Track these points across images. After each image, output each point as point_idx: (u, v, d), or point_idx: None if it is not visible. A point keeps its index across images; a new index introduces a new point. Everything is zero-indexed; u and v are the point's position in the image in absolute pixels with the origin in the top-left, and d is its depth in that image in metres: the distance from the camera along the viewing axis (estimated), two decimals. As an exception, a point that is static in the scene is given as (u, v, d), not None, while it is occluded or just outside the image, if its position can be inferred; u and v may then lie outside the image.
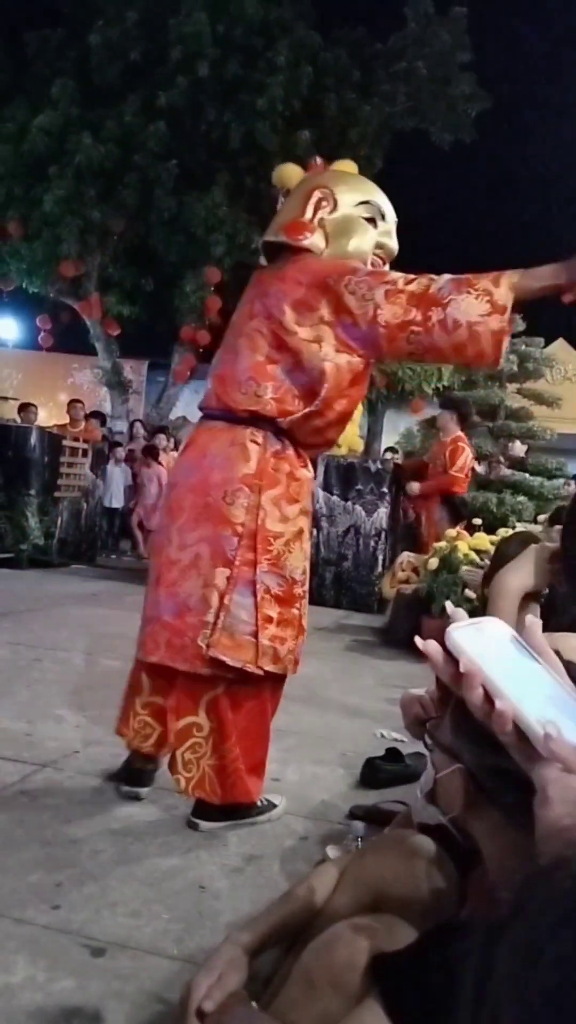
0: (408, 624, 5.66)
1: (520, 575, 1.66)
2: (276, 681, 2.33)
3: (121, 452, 10.87)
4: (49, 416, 15.86)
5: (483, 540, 5.67)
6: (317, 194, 2.33)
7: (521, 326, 9.42)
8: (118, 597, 6.59)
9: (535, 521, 7.36)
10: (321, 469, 7.20)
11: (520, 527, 6.58)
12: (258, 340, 2.24)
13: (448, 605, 0.79)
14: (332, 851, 2.15)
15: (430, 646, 0.72)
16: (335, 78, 13.86)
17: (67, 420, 10.54)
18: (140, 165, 13.00)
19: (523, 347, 9.18)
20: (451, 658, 0.72)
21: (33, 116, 13.04)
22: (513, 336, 9.34)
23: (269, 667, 2.21)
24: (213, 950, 1.15)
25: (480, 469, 8.05)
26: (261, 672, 2.20)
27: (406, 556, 6.33)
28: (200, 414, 2.42)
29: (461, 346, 2.08)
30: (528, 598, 1.74)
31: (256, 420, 2.24)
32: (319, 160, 7.74)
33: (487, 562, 5.35)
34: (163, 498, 2.49)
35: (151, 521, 10.41)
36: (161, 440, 11.24)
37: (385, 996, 0.89)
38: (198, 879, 2.00)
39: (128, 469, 10.66)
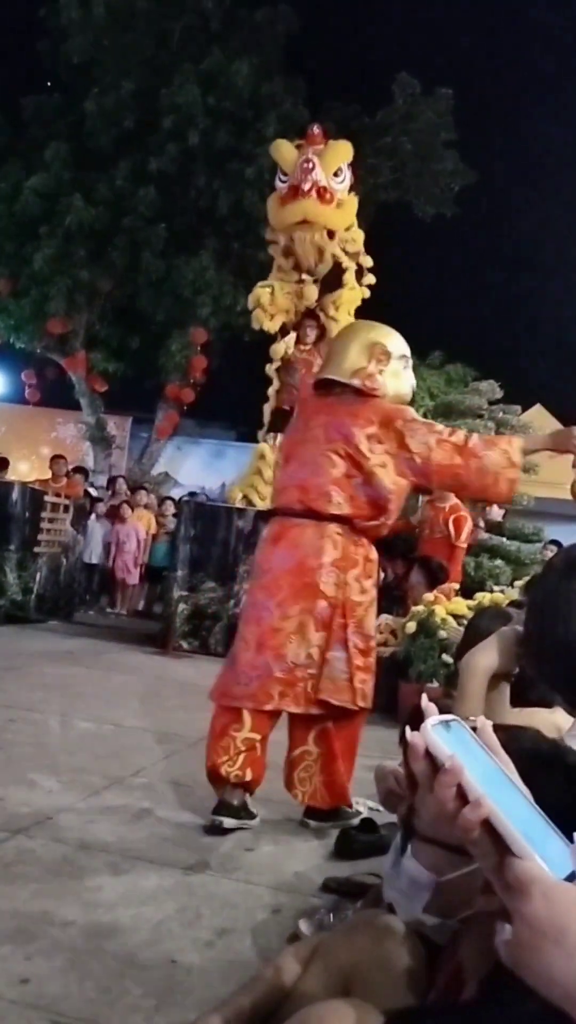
0: (385, 687, 5.65)
1: (488, 657, 1.71)
2: (363, 713, 3.02)
3: (102, 508, 10.89)
4: (31, 470, 15.87)
5: (460, 605, 5.71)
6: (378, 350, 3.03)
7: (499, 393, 9.63)
8: (95, 655, 6.56)
9: (512, 585, 7.43)
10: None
11: (497, 591, 6.64)
12: (336, 460, 2.91)
13: (423, 700, 0.82)
14: (304, 925, 2.13)
15: (417, 740, 0.75)
16: (322, 150, 14.31)
17: (49, 475, 10.56)
18: (130, 228, 13.31)
19: (500, 414, 9.37)
20: (427, 752, 0.75)
21: (27, 177, 13.37)
22: (490, 403, 9.56)
23: (362, 704, 2.93)
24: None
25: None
26: (357, 708, 2.92)
27: (384, 619, 6.35)
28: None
29: (486, 487, 2.96)
30: (498, 677, 1.79)
31: (337, 519, 2.93)
32: (316, 129, 8.01)
33: (463, 623, 5.40)
34: (255, 579, 3.13)
35: (131, 576, 10.40)
36: (141, 496, 11.28)
37: None
38: (169, 953, 1.98)
39: (109, 524, 10.67)
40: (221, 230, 14.00)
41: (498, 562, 7.96)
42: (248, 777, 2.90)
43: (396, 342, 3.11)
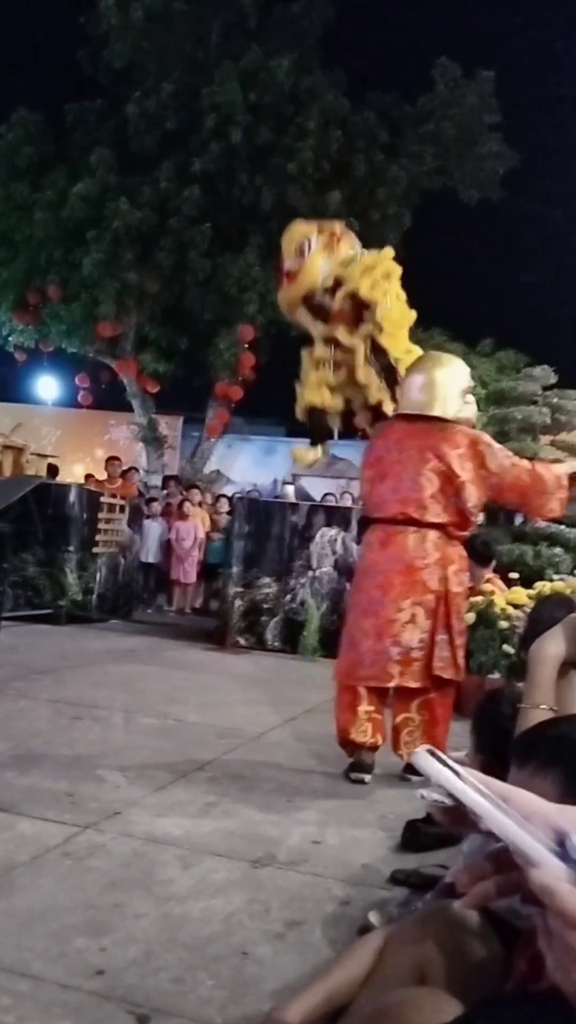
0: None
1: (557, 644, 1.68)
2: (458, 684, 3.67)
3: (157, 507, 11.00)
4: (86, 472, 16.11)
5: (520, 594, 5.63)
6: (465, 390, 3.73)
7: (553, 379, 9.46)
8: (154, 653, 6.63)
9: (572, 573, 7.30)
10: (354, 524, 7.23)
11: (557, 579, 6.53)
12: (432, 477, 3.53)
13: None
14: (374, 917, 2.14)
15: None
16: (364, 140, 14.21)
17: (104, 476, 10.71)
18: (175, 229, 13.38)
19: (556, 399, 9.18)
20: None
21: (72, 184, 13.52)
22: (545, 389, 9.39)
23: (461, 677, 3.61)
24: (263, 1018, 1.16)
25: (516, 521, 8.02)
26: (459, 679, 3.61)
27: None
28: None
29: (542, 505, 3.61)
30: (567, 665, 1.76)
31: (435, 526, 3.55)
32: (340, 225, 7.74)
33: (524, 612, 5.32)
34: (367, 579, 3.68)
35: (188, 575, 10.49)
36: (195, 495, 11.36)
37: (434, 1071, 0.90)
38: (241, 945, 2.00)
39: (164, 524, 10.77)
40: (266, 227, 13.99)
41: (557, 550, 7.82)
42: (378, 741, 3.59)
43: (467, 375, 3.81)
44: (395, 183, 14.14)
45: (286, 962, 1.94)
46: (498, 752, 1.61)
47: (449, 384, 3.70)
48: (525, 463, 3.63)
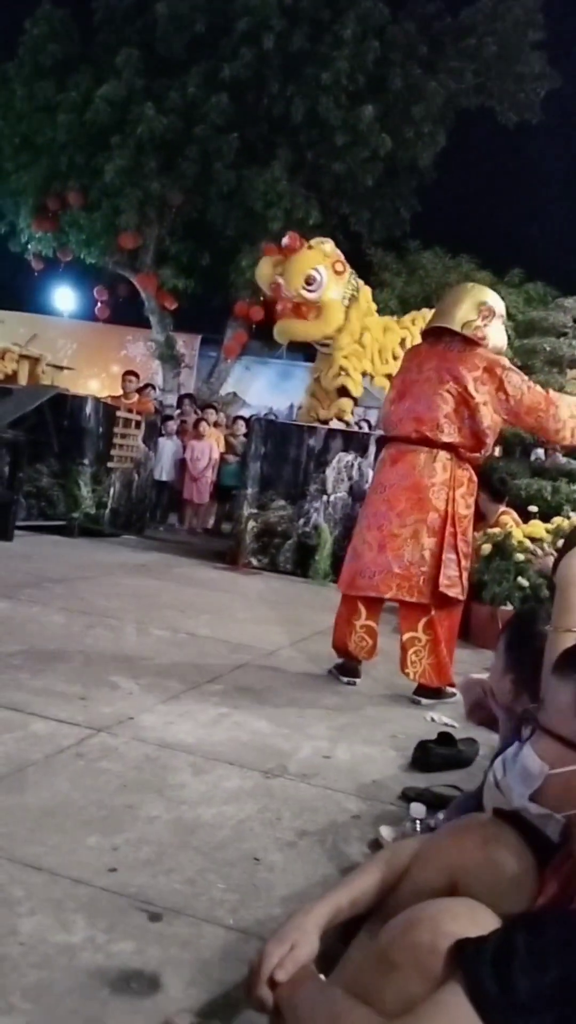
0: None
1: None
2: (461, 604, 3.73)
3: (172, 426, 10.90)
4: (102, 387, 15.97)
5: (538, 528, 5.58)
6: (485, 308, 3.68)
7: (583, 311, 9.23)
8: (166, 569, 6.63)
9: (590, 510, 7.23)
10: (372, 451, 7.14)
11: (575, 515, 6.47)
12: (448, 398, 3.56)
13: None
14: (385, 831, 2.13)
15: None
16: (402, 53, 13.64)
17: (120, 391, 10.59)
18: (201, 137, 12.95)
19: (584, 333, 8.99)
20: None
21: (97, 86, 13.06)
22: None
23: (464, 596, 3.67)
24: (285, 920, 1.14)
25: (538, 456, 7.92)
26: (462, 599, 3.66)
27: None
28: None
29: (558, 430, 3.65)
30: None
31: (447, 446, 3.59)
32: (287, 239, 7.46)
33: (543, 550, 5.27)
34: (376, 494, 3.76)
35: (201, 495, 10.45)
36: (211, 415, 11.25)
37: (470, 981, 0.87)
38: (252, 851, 2.00)
39: (179, 443, 10.69)
40: (294, 139, 13.54)
41: None
42: (371, 657, 3.77)
43: (499, 303, 3.79)
44: (432, 99, 13.62)
45: (296, 869, 1.95)
46: (532, 671, 1.57)
47: (467, 300, 3.73)
48: (541, 389, 3.69)
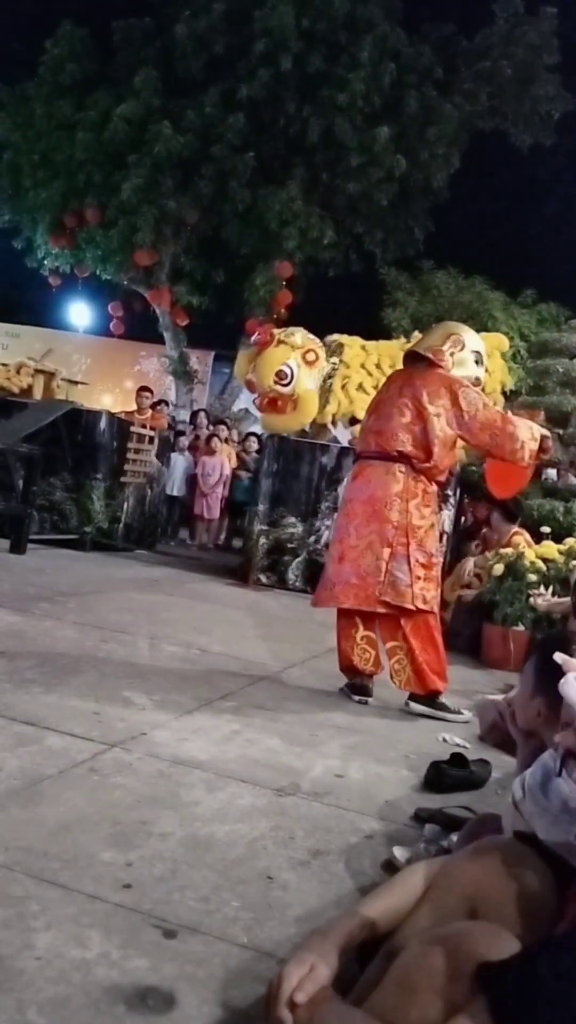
0: (469, 630, 5.59)
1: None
2: (430, 615, 3.70)
3: (184, 441, 10.95)
4: (115, 402, 16.05)
5: (551, 549, 5.57)
6: (454, 339, 3.87)
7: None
8: (178, 584, 6.65)
9: (602, 532, 7.19)
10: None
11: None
12: (405, 410, 3.70)
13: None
14: (399, 851, 2.13)
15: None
16: (417, 75, 13.73)
17: (134, 407, 10.65)
18: (217, 156, 13.06)
19: (597, 353, 8.98)
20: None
21: (115, 105, 13.20)
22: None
23: (420, 605, 3.64)
24: (303, 940, 1.15)
25: (552, 474, 7.90)
26: (415, 608, 3.64)
27: (471, 561, 6.25)
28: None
29: (514, 451, 3.71)
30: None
31: (401, 458, 3.69)
32: (257, 335, 7.58)
33: (541, 593, 5.23)
34: (341, 508, 3.98)
35: (211, 511, 10.48)
36: (223, 431, 11.29)
37: (493, 1006, 0.87)
38: (266, 869, 2.00)
39: (191, 458, 10.73)
40: (310, 160, 13.63)
41: (587, 507, 7.70)
42: (377, 670, 3.81)
43: (472, 339, 3.96)
44: (447, 121, 13.70)
45: (310, 889, 1.94)
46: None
47: (440, 330, 3.99)
48: (499, 408, 3.92)
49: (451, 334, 3.91)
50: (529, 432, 3.75)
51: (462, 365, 3.86)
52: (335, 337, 7.98)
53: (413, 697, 3.72)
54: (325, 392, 7.57)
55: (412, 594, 3.63)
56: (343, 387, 7.63)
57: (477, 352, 3.96)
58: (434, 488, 3.82)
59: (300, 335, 7.49)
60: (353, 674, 3.82)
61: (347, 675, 3.84)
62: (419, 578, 3.65)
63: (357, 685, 3.81)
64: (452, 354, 3.83)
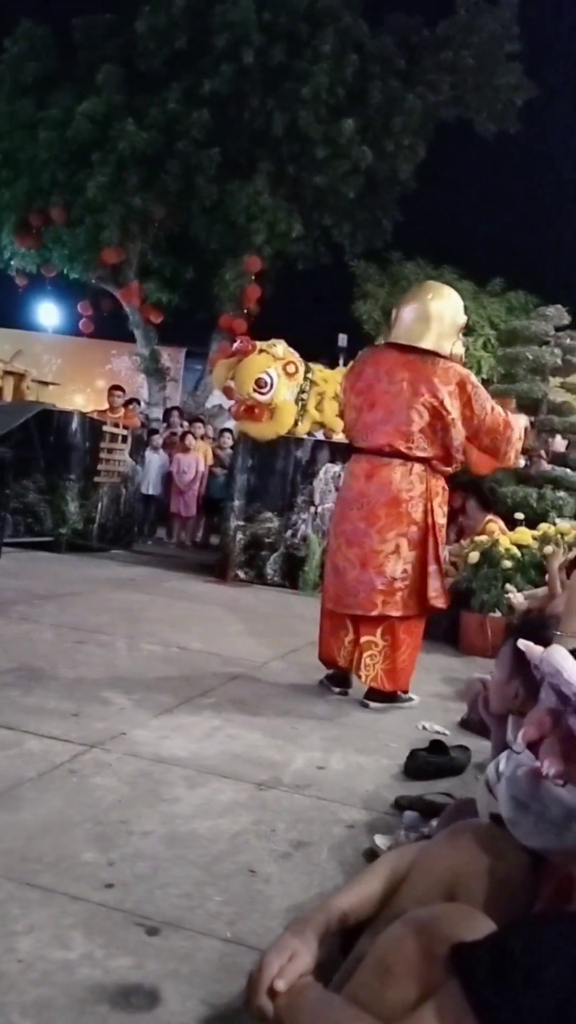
0: (446, 617, 5.61)
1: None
2: (426, 615, 3.77)
3: (158, 439, 10.91)
4: (87, 402, 15.96)
5: (525, 535, 5.62)
6: (460, 329, 3.79)
7: (566, 319, 9.30)
8: (156, 583, 6.63)
9: (575, 517, 7.26)
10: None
11: (560, 523, 6.51)
12: (423, 412, 3.58)
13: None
14: (380, 840, 2.15)
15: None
16: (380, 66, 13.75)
17: (106, 406, 10.60)
18: (182, 152, 13.01)
19: (568, 340, 9.04)
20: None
21: (78, 103, 13.10)
22: (558, 329, 9.24)
23: (437, 604, 3.66)
24: (286, 929, 1.15)
25: (521, 463, 7.95)
26: (446, 607, 3.81)
27: (447, 549, 6.27)
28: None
29: (506, 452, 3.84)
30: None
31: (422, 460, 3.64)
32: (238, 344, 7.59)
33: (528, 557, 5.30)
34: (352, 509, 3.71)
35: (188, 508, 10.45)
36: (198, 428, 11.25)
37: (466, 986, 0.88)
38: (248, 863, 2.01)
39: (166, 456, 10.69)
40: (276, 153, 13.61)
41: (561, 494, 7.75)
42: (356, 664, 3.70)
43: (460, 315, 3.82)
44: (411, 112, 13.73)
45: (293, 881, 1.95)
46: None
47: (446, 318, 3.72)
48: (500, 411, 3.80)
49: (459, 326, 3.79)
50: (518, 434, 3.81)
51: (460, 344, 3.82)
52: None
53: (373, 695, 3.66)
54: (300, 410, 7.57)
55: (447, 594, 3.71)
56: (317, 406, 7.64)
57: (463, 325, 3.90)
58: (446, 487, 3.81)
59: (281, 347, 7.49)
60: (333, 667, 3.81)
61: (327, 666, 3.84)
62: (446, 576, 3.75)
63: (337, 677, 3.80)
64: (456, 343, 3.76)
